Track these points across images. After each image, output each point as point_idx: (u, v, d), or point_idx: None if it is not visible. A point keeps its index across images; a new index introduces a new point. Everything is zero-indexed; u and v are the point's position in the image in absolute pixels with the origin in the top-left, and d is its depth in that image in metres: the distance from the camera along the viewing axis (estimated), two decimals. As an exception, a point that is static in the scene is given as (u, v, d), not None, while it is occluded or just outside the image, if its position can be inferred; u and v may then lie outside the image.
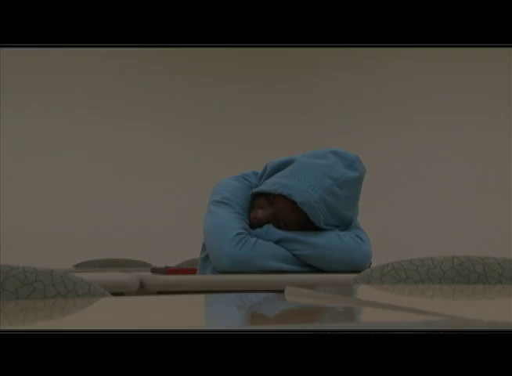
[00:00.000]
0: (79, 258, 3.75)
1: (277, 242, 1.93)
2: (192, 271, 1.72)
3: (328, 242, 1.92)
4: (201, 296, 1.25)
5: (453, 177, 4.63)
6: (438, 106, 4.66)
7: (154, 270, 1.77)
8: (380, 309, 0.81)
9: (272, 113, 4.63)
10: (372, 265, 1.48)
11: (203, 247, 2.08)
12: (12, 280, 1.08)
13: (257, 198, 2.01)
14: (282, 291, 1.09)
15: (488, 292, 1.16)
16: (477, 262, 1.39)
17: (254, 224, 1.99)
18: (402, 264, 1.36)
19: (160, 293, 1.62)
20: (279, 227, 1.96)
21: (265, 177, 2.05)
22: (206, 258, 2.03)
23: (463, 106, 4.67)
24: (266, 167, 2.07)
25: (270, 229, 1.95)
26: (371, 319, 0.75)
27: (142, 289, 1.60)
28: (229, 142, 4.56)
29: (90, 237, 4.31)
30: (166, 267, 1.75)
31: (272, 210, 1.96)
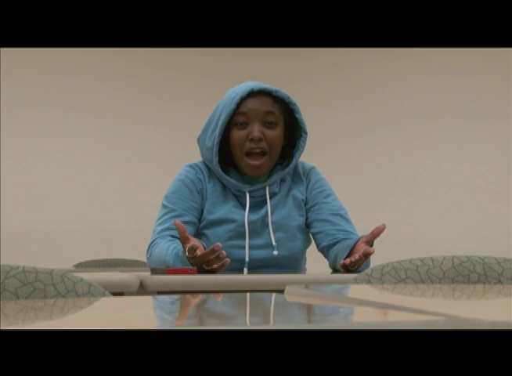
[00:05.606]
0: (79, 258, 3.74)
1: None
2: (192, 271, 1.71)
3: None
4: (201, 296, 1.25)
5: (453, 177, 4.63)
6: (438, 107, 4.66)
7: (154, 270, 1.77)
8: (380, 309, 0.81)
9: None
10: (372, 265, 1.48)
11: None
12: (12, 280, 1.08)
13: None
14: (282, 291, 1.09)
15: (488, 292, 1.16)
16: (477, 262, 1.39)
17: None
18: (402, 264, 1.36)
19: (160, 293, 1.61)
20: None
21: None
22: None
23: (464, 106, 4.67)
24: None
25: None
26: (371, 319, 0.75)
27: (142, 289, 1.60)
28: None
29: (90, 237, 4.31)
30: (166, 267, 1.75)
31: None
